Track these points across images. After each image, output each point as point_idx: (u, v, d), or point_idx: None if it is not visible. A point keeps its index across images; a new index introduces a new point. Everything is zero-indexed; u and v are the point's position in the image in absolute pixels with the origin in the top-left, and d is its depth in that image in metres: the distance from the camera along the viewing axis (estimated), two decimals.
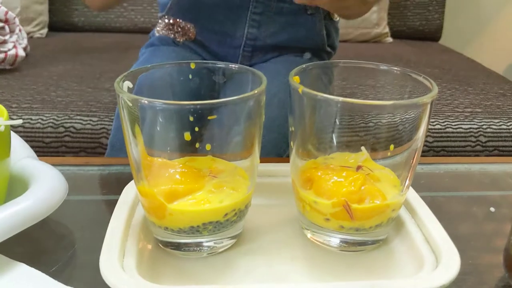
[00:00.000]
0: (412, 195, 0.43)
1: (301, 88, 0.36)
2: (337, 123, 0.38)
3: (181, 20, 0.83)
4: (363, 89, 0.41)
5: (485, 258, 0.40)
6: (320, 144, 0.39)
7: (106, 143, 0.93)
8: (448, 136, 0.94)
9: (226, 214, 0.36)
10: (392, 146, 0.38)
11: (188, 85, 0.41)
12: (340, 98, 0.34)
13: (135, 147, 0.36)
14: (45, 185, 0.39)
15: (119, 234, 0.36)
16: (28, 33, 1.47)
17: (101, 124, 0.94)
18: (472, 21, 1.88)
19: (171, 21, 0.83)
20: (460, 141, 0.94)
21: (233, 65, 0.40)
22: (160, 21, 0.86)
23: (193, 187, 0.37)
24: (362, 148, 0.40)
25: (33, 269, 0.35)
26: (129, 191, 0.42)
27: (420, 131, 0.37)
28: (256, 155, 0.38)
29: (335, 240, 0.39)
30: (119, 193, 0.43)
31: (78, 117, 0.95)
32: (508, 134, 0.96)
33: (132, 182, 0.44)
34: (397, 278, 0.36)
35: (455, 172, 0.56)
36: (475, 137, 0.94)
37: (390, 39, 1.66)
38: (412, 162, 0.38)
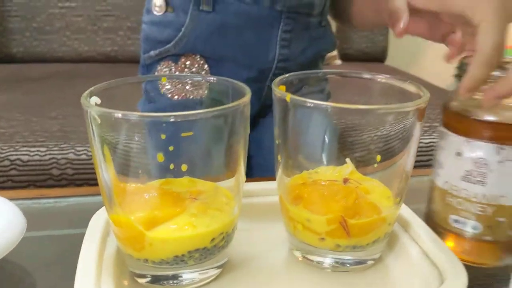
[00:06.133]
0: (401, 208, 0.41)
1: (288, 96, 0.33)
2: (326, 133, 0.36)
3: (196, 56, 0.66)
4: (348, 98, 0.39)
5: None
6: (308, 157, 0.37)
7: (57, 174, 0.86)
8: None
9: (213, 239, 0.33)
10: (379, 157, 0.37)
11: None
12: (331, 104, 0.32)
13: (105, 171, 0.32)
14: (1, 221, 0.34)
15: (92, 271, 0.32)
16: None
17: (50, 154, 0.87)
18: (415, 42, 1.95)
19: (182, 59, 0.66)
20: (423, 155, 0.95)
21: (211, 78, 0.37)
22: (161, 64, 0.67)
23: (173, 211, 0.33)
24: (347, 160, 0.38)
25: None
26: (97, 223, 0.38)
27: (413, 139, 0.35)
28: (241, 173, 0.34)
29: (329, 260, 0.36)
30: (82, 226, 0.38)
31: (25, 148, 0.88)
32: None
33: (99, 212, 0.39)
34: None
35: None
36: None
37: (339, 61, 1.69)
38: (405, 171, 0.36)
